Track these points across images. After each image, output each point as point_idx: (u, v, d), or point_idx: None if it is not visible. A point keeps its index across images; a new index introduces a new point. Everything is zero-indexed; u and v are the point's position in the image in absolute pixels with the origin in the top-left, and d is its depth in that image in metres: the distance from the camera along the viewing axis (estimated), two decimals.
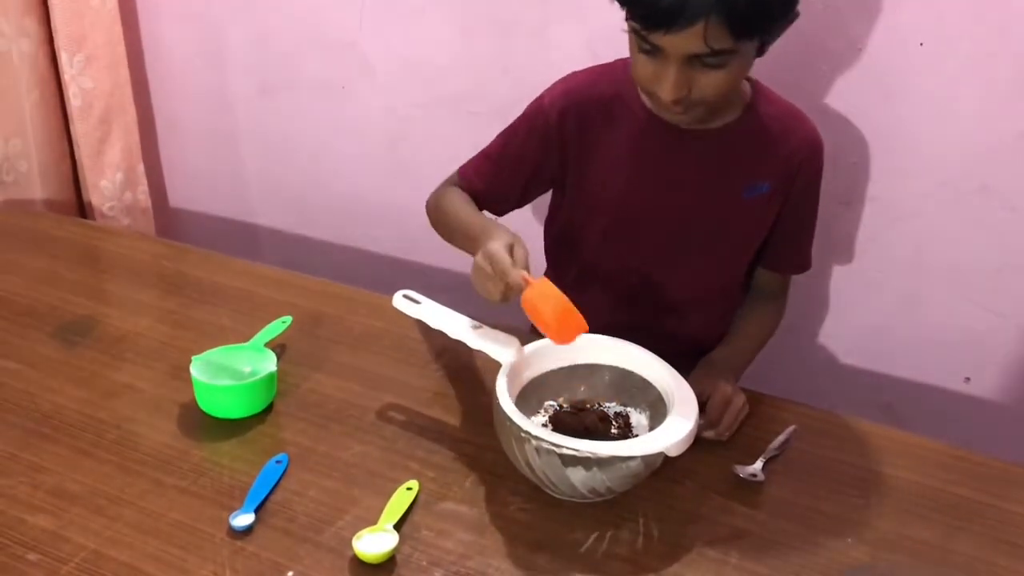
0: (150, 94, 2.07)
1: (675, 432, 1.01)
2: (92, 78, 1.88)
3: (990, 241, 1.49)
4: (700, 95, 1.09)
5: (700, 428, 1.10)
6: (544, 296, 1.01)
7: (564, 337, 1.04)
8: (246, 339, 1.28)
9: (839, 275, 1.61)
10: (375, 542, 0.97)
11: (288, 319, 1.32)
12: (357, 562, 0.97)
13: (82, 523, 1.01)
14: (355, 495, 1.07)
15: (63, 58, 1.85)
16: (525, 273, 1.03)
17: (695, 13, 1.00)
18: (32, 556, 0.97)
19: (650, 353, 1.15)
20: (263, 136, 2.00)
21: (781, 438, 1.18)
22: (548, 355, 1.15)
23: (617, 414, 1.15)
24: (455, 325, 1.17)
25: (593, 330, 1.05)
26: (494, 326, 1.18)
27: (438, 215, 1.32)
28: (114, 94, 1.93)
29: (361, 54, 1.80)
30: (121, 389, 1.24)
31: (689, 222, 1.28)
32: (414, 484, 1.07)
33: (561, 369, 1.17)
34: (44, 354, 1.30)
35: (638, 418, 1.15)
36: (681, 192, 1.26)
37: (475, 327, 1.16)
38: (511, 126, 1.32)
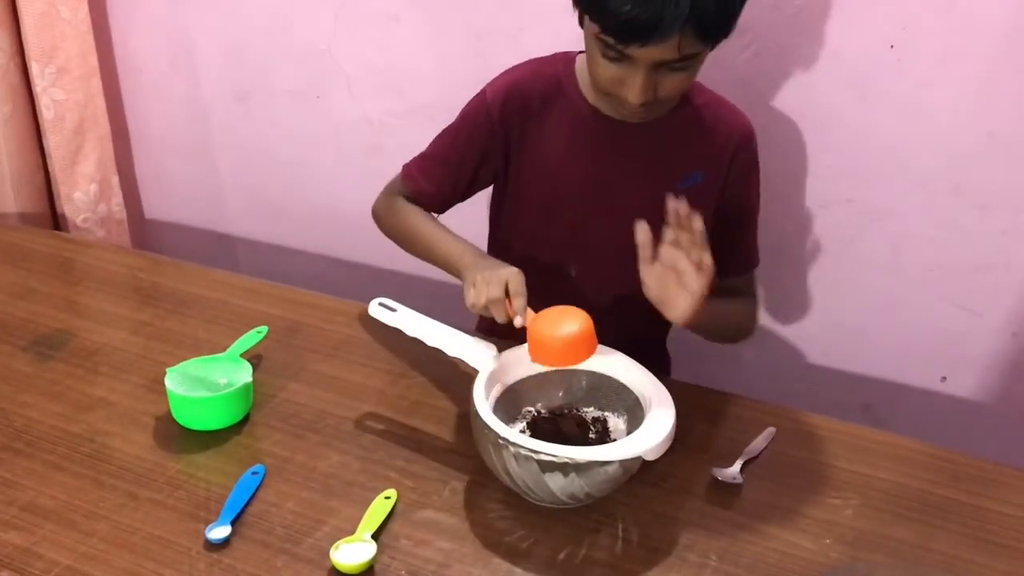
0: (123, 105, 2.06)
1: (653, 436, 1.01)
2: (64, 89, 1.87)
3: (964, 240, 1.50)
4: (665, 95, 1.14)
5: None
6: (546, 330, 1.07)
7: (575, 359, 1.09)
8: (222, 350, 1.27)
9: (816, 276, 1.62)
10: (353, 552, 0.97)
11: (264, 329, 1.31)
12: (335, 573, 0.96)
13: (56, 539, 1.00)
14: (333, 505, 1.06)
15: (34, 70, 1.84)
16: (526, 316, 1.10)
17: (671, 26, 1.03)
18: (5, 574, 0.95)
19: (627, 357, 1.15)
20: (238, 146, 1.99)
21: (760, 440, 1.18)
22: (525, 362, 1.14)
23: (595, 419, 1.15)
24: (432, 333, 1.16)
25: None
26: (471, 333, 1.18)
27: (396, 226, 1.36)
28: (87, 105, 1.92)
29: (335, 63, 1.79)
30: (95, 402, 1.22)
31: (625, 214, 1.28)
32: (392, 493, 1.07)
33: (538, 375, 1.16)
34: (17, 368, 1.29)
35: (616, 422, 1.14)
36: (617, 184, 1.28)
37: (452, 335, 1.16)
38: (454, 124, 1.34)
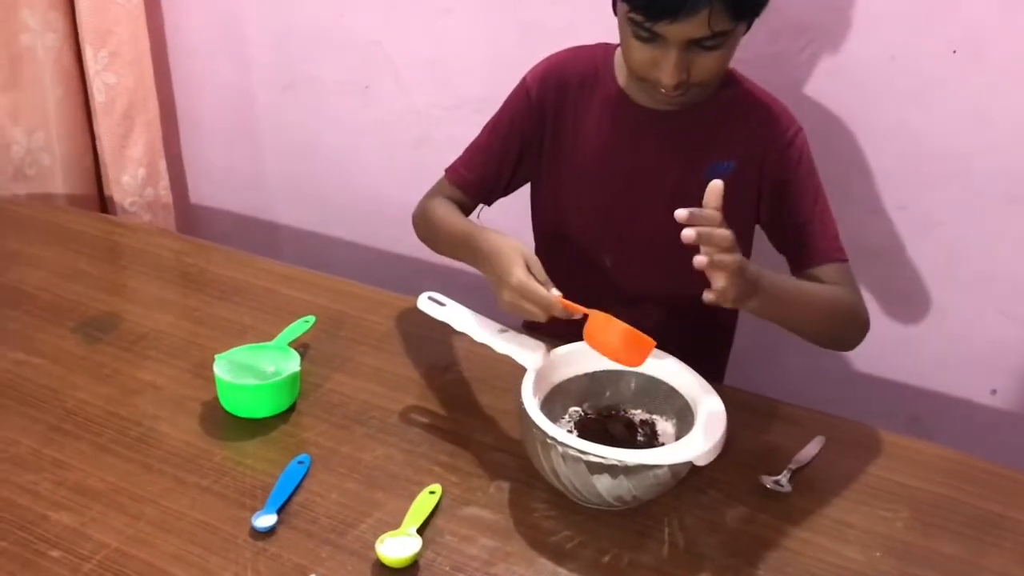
0: (173, 90, 2.08)
1: (704, 441, 1.00)
2: (116, 73, 1.89)
3: (1018, 251, 1.47)
4: (699, 77, 1.13)
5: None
6: (602, 328, 1.04)
7: (634, 359, 1.06)
8: (267, 338, 1.27)
9: (866, 284, 1.58)
10: (398, 546, 0.97)
11: (311, 319, 1.31)
12: (380, 566, 0.96)
13: (104, 521, 1.01)
14: (378, 498, 1.06)
15: (88, 53, 1.85)
16: (564, 301, 1.06)
17: (699, 0, 1.03)
18: (55, 553, 0.96)
19: (677, 360, 1.13)
20: (285, 134, 2.00)
21: (809, 449, 1.16)
22: (573, 361, 1.14)
23: (643, 421, 1.14)
24: (480, 328, 1.16)
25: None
26: (519, 330, 1.17)
27: (426, 224, 1.35)
28: (137, 90, 1.93)
29: (385, 54, 1.79)
30: (143, 387, 1.23)
31: (654, 203, 1.27)
32: (437, 488, 1.06)
33: (586, 375, 1.15)
34: (67, 350, 1.30)
35: (664, 426, 1.13)
36: (645, 172, 1.28)
37: (500, 331, 1.15)
38: (495, 115, 1.35)
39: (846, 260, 1.27)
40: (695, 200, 1.26)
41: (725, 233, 0.98)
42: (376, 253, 1.99)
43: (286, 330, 1.28)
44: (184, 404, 1.20)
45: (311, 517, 1.03)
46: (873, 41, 1.41)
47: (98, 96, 1.89)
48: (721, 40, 1.09)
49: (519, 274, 1.06)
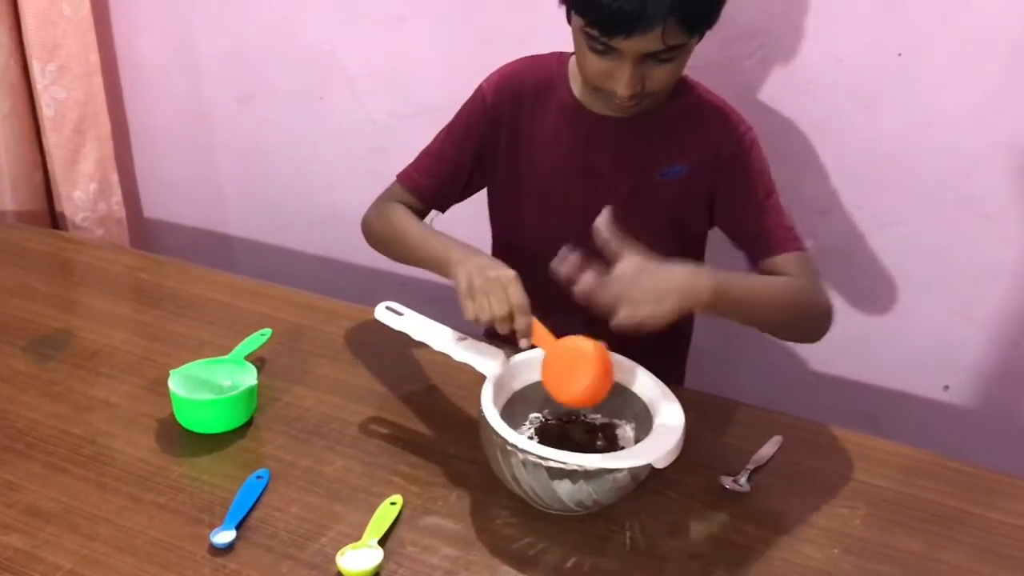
0: (124, 103, 2.05)
1: (662, 444, 1.00)
2: (65, 88, 1.86)
3: (968, 250, 1.50)
4: (653, 87, 1.15)
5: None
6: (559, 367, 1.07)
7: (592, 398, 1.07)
8: (224, 352, 1.26)
9: None
10: (359, 558, 0.96)
11: (268, 332, 1.30)
12: None
13: (57, 542, 0.99)
14: (338, 511, 1.05)
15: (35, 67, 1.82)
16: (537, 323, 1.08)
17: (654, 17, 1.05)
18: None
19: (636, 364, 1.14)
20: (239, 146, 1.98)
21: (767, 448, 1.17)
22: (533, 367, 1.14)
23: (603, 425, 1.14)
24: (439, 337, 1.16)
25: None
26: (477, 338, 1.17)
27: (383, 227, 1.34)
28: (88, 104, 1.91)
29: (339, 64, 1.79)
30: (96, 404, 1.21)
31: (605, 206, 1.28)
32: (398, 499, 1.06)
33: None
34: (17, 368, 1.28)
35: (623, 430, 1.14)
36: (601, 178, 1.29)
37: (459, 339, 1.15)
38: (450, 122, 1.36)
39: (804, 249, 1.26)
40: (650, 204, 1.28)
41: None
42: (333, 264, 1.98)
43: (242, 344, 1.26)
44: (139, 421, 1.18)
45: (271, 532, 1.02)
46: (821, 45, 1.44)
47: (47, 111, 1.86)
48: (675, 53, 1.11)
49: (508, 275, 1.10)
